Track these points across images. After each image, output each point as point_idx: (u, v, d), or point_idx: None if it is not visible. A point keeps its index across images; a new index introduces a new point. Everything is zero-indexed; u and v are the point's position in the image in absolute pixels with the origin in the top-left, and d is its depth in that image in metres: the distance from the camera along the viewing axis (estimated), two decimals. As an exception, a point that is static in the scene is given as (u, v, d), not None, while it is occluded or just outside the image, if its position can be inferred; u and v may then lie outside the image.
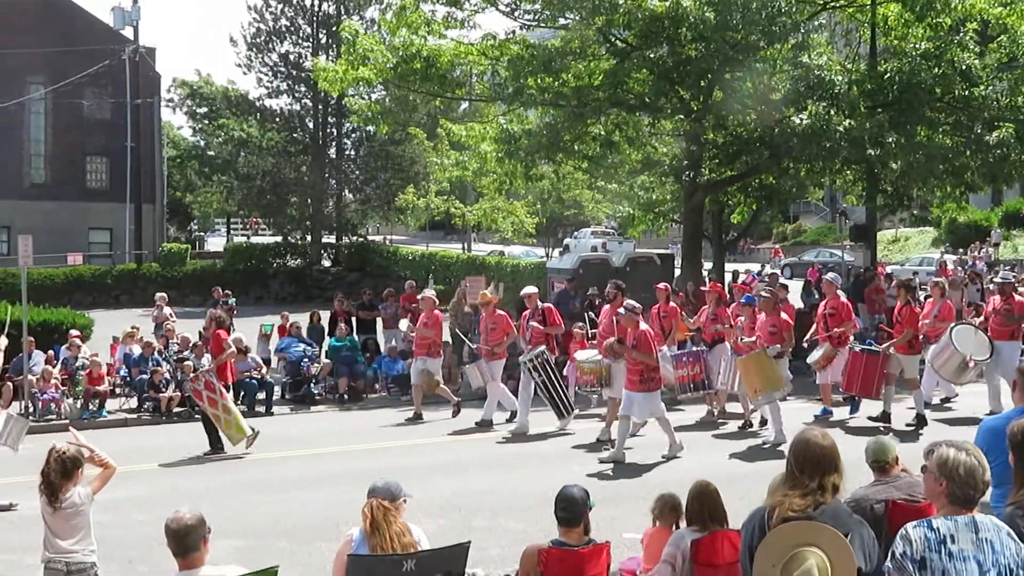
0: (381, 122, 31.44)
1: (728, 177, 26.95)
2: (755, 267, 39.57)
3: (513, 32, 26.20)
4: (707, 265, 30.42)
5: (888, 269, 34.95)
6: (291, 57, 51.97)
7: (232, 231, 79.99)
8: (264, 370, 20.62)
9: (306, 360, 21.26)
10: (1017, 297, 17.46)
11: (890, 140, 22.25)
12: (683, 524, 7.34)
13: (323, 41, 51.34)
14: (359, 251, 51.75)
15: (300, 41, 52.02)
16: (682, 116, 25.39)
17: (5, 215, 46.46)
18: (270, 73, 52.36)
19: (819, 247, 57.01)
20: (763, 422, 15.87)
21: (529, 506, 11.47)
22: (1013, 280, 19.67)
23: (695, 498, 6.99)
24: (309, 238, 52.80)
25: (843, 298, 17.53)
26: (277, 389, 20.53)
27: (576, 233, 54.96)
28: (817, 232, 65.88)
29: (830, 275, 19.12)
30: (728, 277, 31.03)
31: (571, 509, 6.74)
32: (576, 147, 26.05)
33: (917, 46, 24.43)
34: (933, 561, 4.60)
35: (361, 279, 44.60)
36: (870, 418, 16.14)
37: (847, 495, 5.85)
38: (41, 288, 36.31)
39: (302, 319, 24.31)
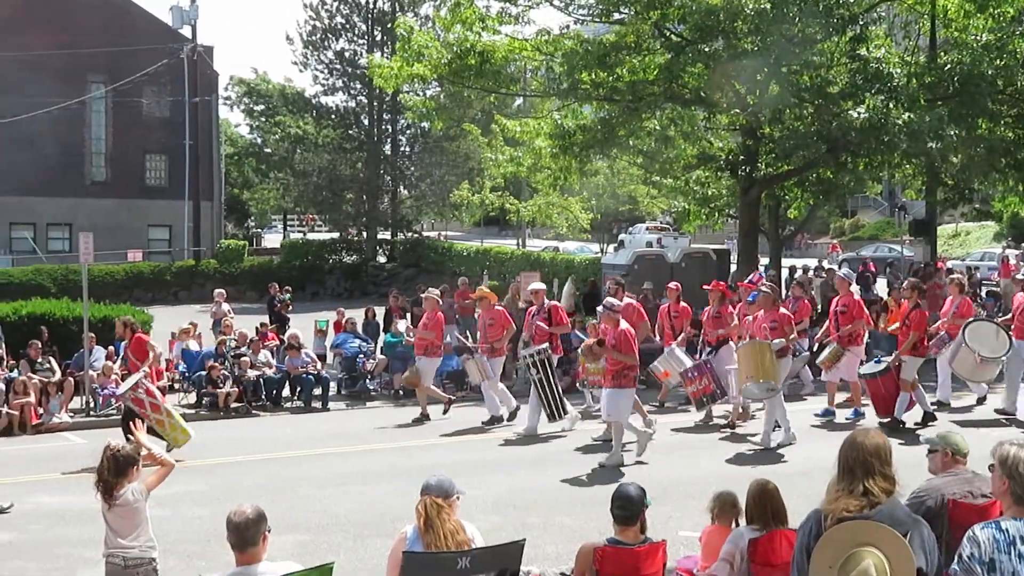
0: (436, 118, 31.49)
1: (785, 171, 26.69)
2: (812, 263, 39.10)
3: (567, 27, 26.17)
4: (763, 261, 30.16)
5: (948, 264, 34.47)
6: (346, 54, 52.28)
7: (288, 228, 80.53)
8: (320, 366, 20.75)
9: (361, 356, 21.36)
10: None
11: (951, 133, 21.85)
12: (742, 522, 7.27)
13: (378, 38, 51.57)
14: (414, 247, 51.93)
15: (355, 38, 52.31)
16: (738, 110, 25.16)
17: (67, 213, 47.14)
18: (326, 70, 52.72)
19: (877, 242, 56.32)
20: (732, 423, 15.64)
21: (584, 503, 11.44)
22: None
23: (758, 496, 6.90)
24: (364, 234, 53.05)
25: (856, 295, 17.09)
26: (333, 385, 20.66)
27: (631, 229, 54.73)
28: (875, 227, 65.10)
29: (843, 271, 18.53)
30: (785, 273, 30.78)
31: (628, 507, 6.70)
32: (631, 142, 25.93)
33: (978, 37, 24.04)
34: (1003, 563, 4.50)
35: (416, 275, 44.79)
36: (916, 423, 15.40)
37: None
38: (101, 285, 36.81)
39: (357, 315, 24.43)
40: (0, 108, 44.14)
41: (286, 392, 20.09)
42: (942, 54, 24.64)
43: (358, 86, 52.12)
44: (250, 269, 45.75)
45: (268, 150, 58.39)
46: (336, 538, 10.39)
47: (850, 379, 16.58)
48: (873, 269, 38.31)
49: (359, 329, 23.25)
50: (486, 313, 17.52)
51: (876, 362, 16.10)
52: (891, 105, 22.08)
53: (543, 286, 17.86)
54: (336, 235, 54.98)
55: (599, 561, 6.57)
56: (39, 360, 19.46)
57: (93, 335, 20.07)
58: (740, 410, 16.00)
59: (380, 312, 24.92)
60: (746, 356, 14.34)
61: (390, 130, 54.10)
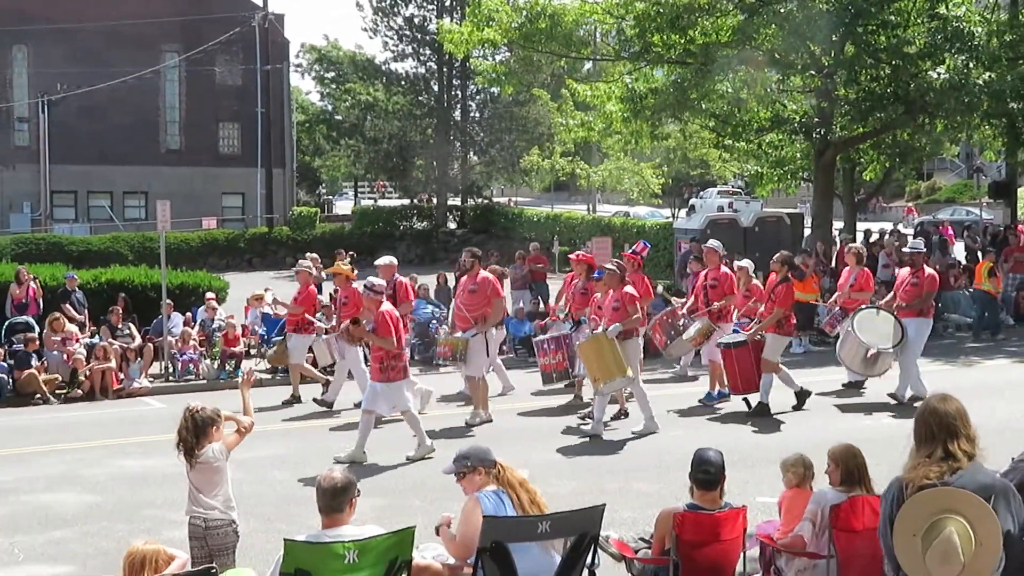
0: (506, 83, 31.48)
1: (860, 134, 26.29)
2: (887, 226, 38.50)
3: (639, -11, 25.89)
4: (838, 224, 29.79)
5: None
6: (416, 20, 52.27)
7: (359, 194, 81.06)
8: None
9: (434, 322, 21.44)
10: None
11: (1033, 92, 21.41)
12: (817, 487, 7.22)
13: (448, 3, 51.49)
14: (484, 213, 52.02)
15: (425, 3, 52.24)
16: (813, 72, 24.81)
17: (143, 181, 47.85)
18: (395, 37, 52.78)
19: (954, 205, 55.35)
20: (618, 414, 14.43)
21: (660, 469, 11.42)
22: None
23: (849, 458, 6.82)
24: (435, 200, 53.22)
25: (724, 268, 15.59)
26: (406, 350, 20.73)
27: (702, 193, 54.29)
28: (952, 190, 63.96)
29: (712, 242, 16.28)
30: (860, 237, 30.36)
31: (711, 472, 6.68)
32: (703, 105, 25.68)
33: (1063, -7, 23.46)
34: None
35: (486, 241, 44.83)
36: (794, 407, 14.43)
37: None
38: (177, 252, 37.33)
39: (429, 281, 24.52)
40: (77, 78, 44.85)
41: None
42: (1024, 11, 24.09)
43: (428, 52, 52.14)
44: (322, 236, 46.10)
45: (339, 117, 58.71)
46: (414, 501, 10.48)
47: (709, 357, 15.56)
48: (951, 232, 37.63)
49: (431, 295, 23.33)
50: (343, 290, 15.94)
51: (734, 331, 14.97)
52: (971, 64, 21.64)
53: (388, 261, 15.99)
54: (407, 201, 55.27)
55: (679, 526, 6.56)
56: (119, 326, 19.85)
57: (171, 302, 20.38)
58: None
59: (451, 278, 24.98)
60: (587, 357, 13.37)
61: (460, 96, 54.08)
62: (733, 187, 53.60)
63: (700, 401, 15.17)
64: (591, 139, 31.04)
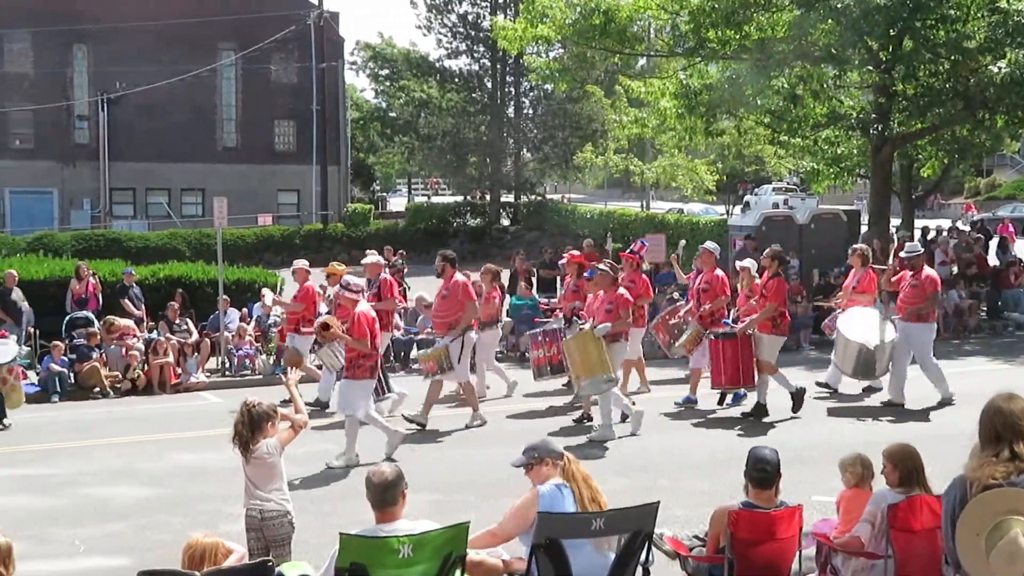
0: (559, 80, 31.42)
1: (918, 130, 25.96)
2: (946, 223, 38.03)
3: (694, -16, 25.75)
4: (895, 222, 29.47)
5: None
6: (470, 17, 52.40)
7: (413, 191, 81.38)
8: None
9: (488, 317, 21.46)
10: None
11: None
12: (876, 487, 7.16)
13: (501, 0, 51.52)
14: (537, 210, 52.01)
15: (479, 1, 52.34)
16: (870, 67, 24.52)
17: (199, 178, 48.35)
18: (449, 34, 52.93)
19: (1015, 202, 54.49)
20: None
21: (712, 466, 11.38)
22: None
23: (906, 458, 6.77)
24: (488, 197, 53.29)
25: (718, 271, 15.20)
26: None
27: (757, 190, 53.91)
28: (1012, 186, 62.99)
29: (708, 244, 15.85)
30: (917, 234, 30.00)
31: (768, 470, 6.65)
32: (758, 101, 25.46)
33: None
34: None
35: (539, 238, 44.84)
36: (744, 414, 14.30)
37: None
38: (234, 248, 37.68)
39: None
40: (135, 77, 45.41)
41: (414, 353, 20.28)
42: (1088, 4, 23.62)
43: (481, 49, 52.23)
44: (376, 232, 46.28)
45: (393, 114, 58.98)
46: (468, 497, 10.52)
47: (693, 365, 15.15)
48: (1011, 229, 37.12)
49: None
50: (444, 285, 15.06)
51: (726, 323, 14.75)
52: (1033, 59, 21.30)
53: (374, 259, 15.86)
54: (460, 198, 55.37)
55: (734, 524, 6.53)
56: (177, 321, 20.07)
57: (227, 297, 20.57)
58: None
59: (505, 275, 24.99)
60: (571, 352, 13.19)
61: (513, 93, 54.13)
62: (788, 184, 53.18)
63: (676, 404, 14.86)
64: (645, 135, 30.97)
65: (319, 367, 15.80)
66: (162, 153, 46.80)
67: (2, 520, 9.31)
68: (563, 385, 16.01)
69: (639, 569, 6.49)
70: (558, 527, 6.27)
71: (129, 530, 9.92)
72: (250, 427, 7.34)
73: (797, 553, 6.77)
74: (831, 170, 28.82)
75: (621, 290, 13.44)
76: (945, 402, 14.31)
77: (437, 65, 54.48)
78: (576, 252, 16.70)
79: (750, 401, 14.52)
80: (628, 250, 16.36)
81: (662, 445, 12.75)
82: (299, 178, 50.39)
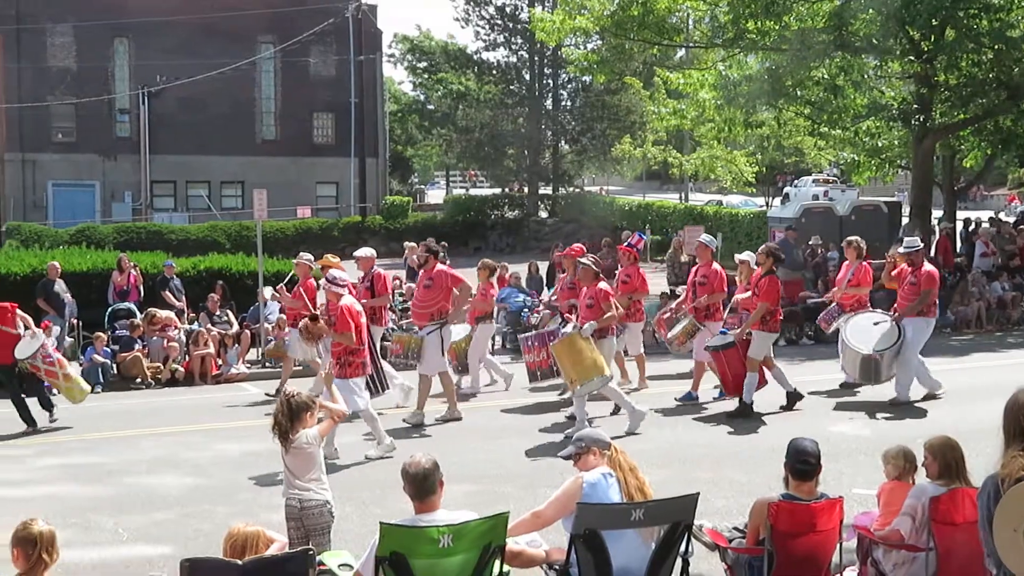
0: (597, 72, 31.35)
1: (961, 120, 25.72)
2: (988, 214, 37.62)
3: (732, -26, 25.60)
4: (937, 214, 29.21)
5: None
6: (507, 9, 52.37)
7: (451, 183, 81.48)
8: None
9: (526, 310, 21.50)
10: None
11: None
12: (918, 479, 7.12)
13: (539, -8, 51.47)
14: (575, 202, 51.94)
15: (517, -8, 52.28)
16: (912, 57, 24.30)
17: (239, 171, 48.64)
18: (487, 26, 52.90)
19: (1059, 193, 53.84)
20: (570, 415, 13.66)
21: (751, 458, 11.35)
22: None
23: (947, 451, 6.73)
24: (526, 189, 53.26)
25: (715, 265, 14.90)
26: (498, 338, 20.84)
27: (796, 181, 53.56)
28: (1057, 177, 62.20)
29: (704, 237, 15.66)
30: (959, 225, 29.72)
31: (809, 462, 6.62)
32: (798, 92, 25.35)
33: None
34: None
35: (577, 230, 44.77)
36: (783, 407, 13.94)
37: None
38: (273, 240, 37.85)
39: (520, 269, 24.57)
40: (175, 71, 45.75)
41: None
42: None
43: (519, 41, 52.17)
44: (414, 225, 46.43)
45: (431, 107, 59.09)
46: (506, 488, 10.54)
47: (696, 357, 14.89)
48: None
49: (523, 283, 23.40)
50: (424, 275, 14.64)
51: (722, 333, 14.37)
52: (1079, 49, 21.04)
53: (367, 252, 15.56)
54: (498, 190, 55.37)
55: (774, 516, 6.51)
56: (217, 313, 20.24)
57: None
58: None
59: (543, 267, 25.01)
60: (560, 357, 12.79)
61: (551, 85, 54.05)
62: (828, 175, 52.79)
63: (677, 400, 14.65)
64: (683, 127, 30.83)
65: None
66: (202, 146, 47.12)
67: (48, 508, 9.45)
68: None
69: (679, 560, 6.48)
70: (598, 517, 6.27)
71: (172, 519, 10.02)
72: (289, 417, 7.40)
73: (838, 545, 6.75)
74: (872, 161, 28.62)
75: (602, 284, 13.09)
76: (898, 402, 13.96)
77: (475, 57, 54.49)
78: (578, 246, 16.35)
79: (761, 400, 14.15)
80: (626, 243, 16.16)
81: (702, 437, 12.72)
82: (337, 170, 50.58)
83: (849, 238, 16.02)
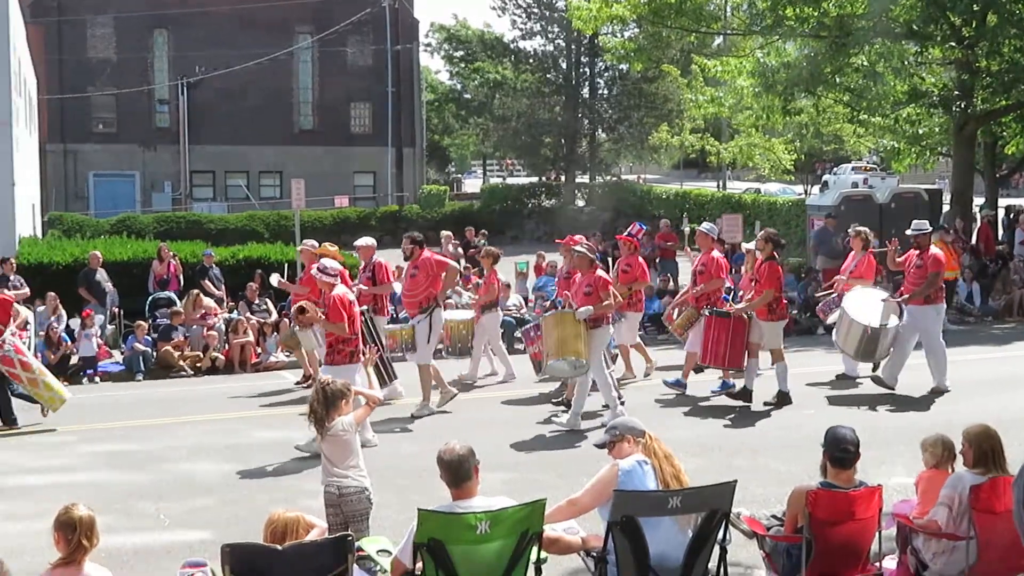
0: (634, 60, 31.19)
1: (1003, 107, 25.43)
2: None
3: (771, -39, 25.41)
4: (978, 201, 28.91)
5: None
6: (544, -3, 52.29)
7: (488, 172, 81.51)
8: (524, 309, 21.01)
9: (560, 299, 21.48)
10: None
11: None
12: (957, 468, 7.08)
13: (576, -20, 51.34)
14: (612, 190, 51.82)
15: (553, -19, 52.23)
16: (953, 43, 24.05)
17: (277, 161, 48.93)
18: (524, 14, 52.90)
19: (1103, 180, 53.14)
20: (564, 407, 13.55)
21: (789, 447, 11.31)
22: None
23: (984, 439, 6.70)
24: (563, 178, 53.20)
25: (715, 253, 14.68)
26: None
27: (835, 169, 53.17)
28: (1101, 164, 61.38)
29: (705, 225, 15.30)
30: (1001, 213, 29.41)
31: (848, 450, 6.60)
32: (837, 79, 25.12)
33: None
34: None
35: (615, 218, 44.67)
36: (728, 395, 13.85)
37: None
38: (311, 230, 37.96)
39: (557, 258, 24.50)
40: (214, 61, 46.07)
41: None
42: None
43: (556, 29, 52.12)
44: (451, 214, 46.49)
45: (468, 96, 59.16)
46: (543, 476, 10.56)
47: (688, 348, 14.64)
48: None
49: (559, 272, 23.35)
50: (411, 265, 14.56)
51: (725, 298, 14.47)
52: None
53: (367, 242, 15.48)
54: (535, 179, 55.36)
55: (812, 504, 6.48)
56: (256, 302, 20.38)
57: (306, 278, 20.78)
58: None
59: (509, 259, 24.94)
60: (547, 329, 12.55)
61: (588, 73, 53.97)
62: (868, 163, 52.35)
63: (666, 383, 14.53)
64: (721, 115, 30.67)
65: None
66: (240, 136, 47.45)
67: (90, 494, 9.55)
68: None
69: (716, 548, 6.48)
70: (635, 504, 6.27)
71: (212, 505, 10.12)
72: (325, 405, 7.45)
73: (877, 533, 6.72)
74: (912, 149, 28.36)
75: (600, 272, 12.88)
76: (938, 391, 13.83)
77: (511, 46, 54.50)
78: (577, 237, 16.20)
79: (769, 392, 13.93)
80: (627, 232, 16.03)
81: (739, 425, 12.69)
82: (375, 160, 50.76)
83: (857, 228, 15.86)
